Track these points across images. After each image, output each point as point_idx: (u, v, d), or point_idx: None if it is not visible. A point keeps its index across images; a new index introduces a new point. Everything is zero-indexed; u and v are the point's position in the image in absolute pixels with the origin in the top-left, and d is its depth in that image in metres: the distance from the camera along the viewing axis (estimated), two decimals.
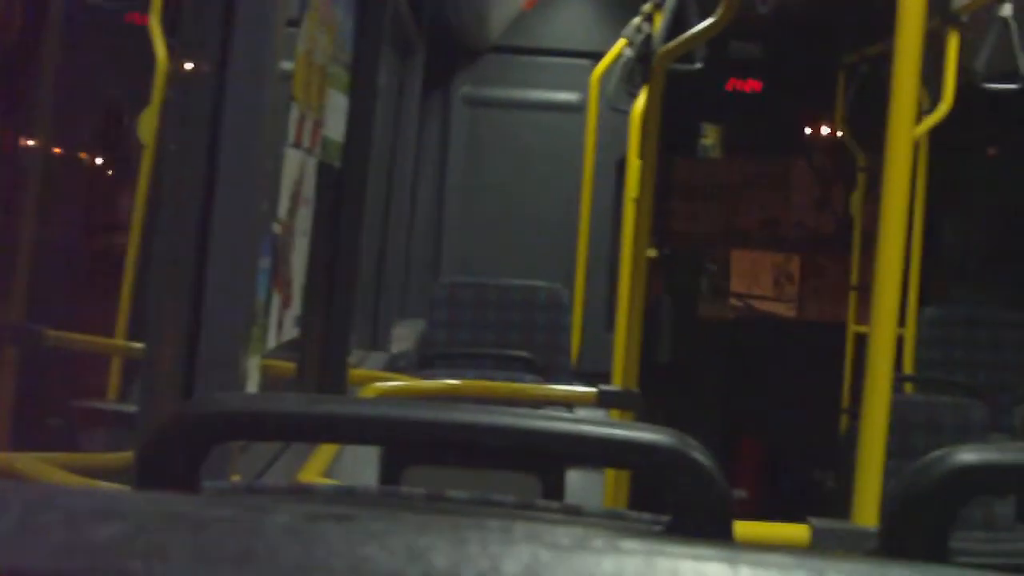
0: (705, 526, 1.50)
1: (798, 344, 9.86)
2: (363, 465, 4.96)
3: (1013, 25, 6.02)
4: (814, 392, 8.99)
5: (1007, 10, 6.03)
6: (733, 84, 9.62)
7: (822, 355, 9.10)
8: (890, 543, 1.56)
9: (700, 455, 1.56)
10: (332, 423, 1.68)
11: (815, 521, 2.39)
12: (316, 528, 0.59)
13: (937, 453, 1.58)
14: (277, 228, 3.34)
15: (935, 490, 1.55)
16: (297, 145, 3.48)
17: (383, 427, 1.68)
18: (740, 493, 9.82)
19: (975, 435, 5.50)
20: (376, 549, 0.57)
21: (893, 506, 1.59)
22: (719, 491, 1.55)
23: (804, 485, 8.40)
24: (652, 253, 10.48)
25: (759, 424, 9.90)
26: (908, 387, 7.58)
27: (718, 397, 10.17)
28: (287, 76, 3.33)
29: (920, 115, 6.86)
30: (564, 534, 0.58)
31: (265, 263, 3.18)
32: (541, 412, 1.66)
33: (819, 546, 2.56)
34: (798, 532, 2.65)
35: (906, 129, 2.61)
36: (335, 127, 4.15)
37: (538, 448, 1.63)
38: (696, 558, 0.57)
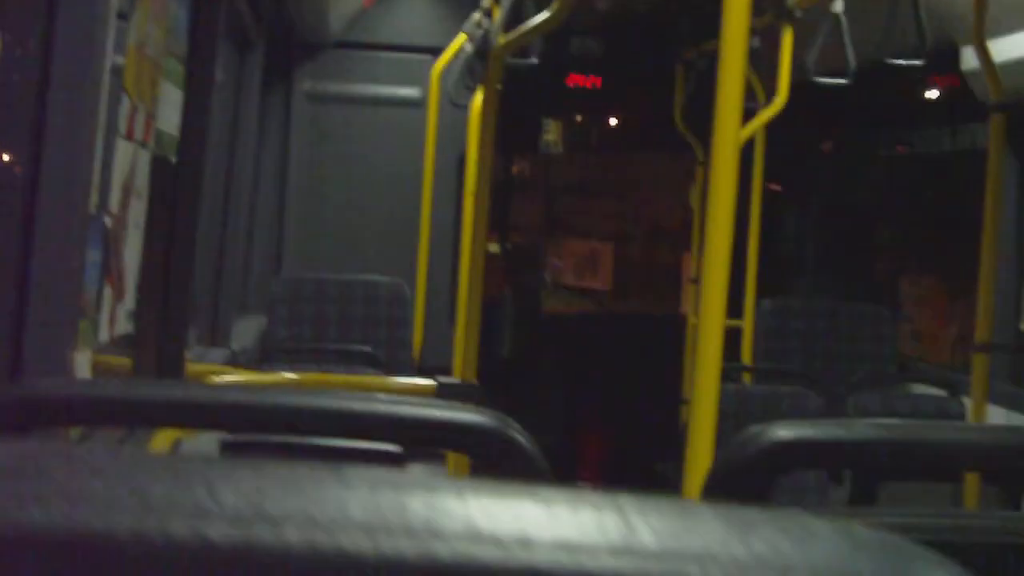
0: None
1: (640, 337, 9.97)
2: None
3: (844, 21, 6.13)
4: (656, 384, 9.09)
5: (839, 6, 6.13)
6: (574, 80, 9.69)
7: (664, 347, 9.20)
8: None
9: (520, 436, 1.58)
10: (160, 406, 1.67)
11: None
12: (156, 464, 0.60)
13: (753, 429, 1.61)
14: (108, 221, 3.30)
15: (750, 464, 1.59)
16: (129, 138, 3.44)
17: (208, 410, 1.68)
18: (583, 483, 9.90)
19: None
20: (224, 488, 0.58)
21: (710, 480, 1.63)
22: (539, 471, 1.57)
23: (648, 476, 8.48)
24: (494, 248, 10.55)
25: (602, 416, 9.99)
26: (746, 377, 7.70)
27: (562, 390, 10.25)
28: (119, 69, 3.29)
29: (756, 110, 6.97)
30: (396, 478, 0.59)
31: (95, 256, 3.14)
32: (367, 395, 1.66)
33: None
34: None
35: (732, 125, 2.66)
36: (170, 120, 4.10)
37: (361, 428, 1.64)
38: (511, 495, 0.58)
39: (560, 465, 9.75)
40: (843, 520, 0.60)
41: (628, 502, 0.58)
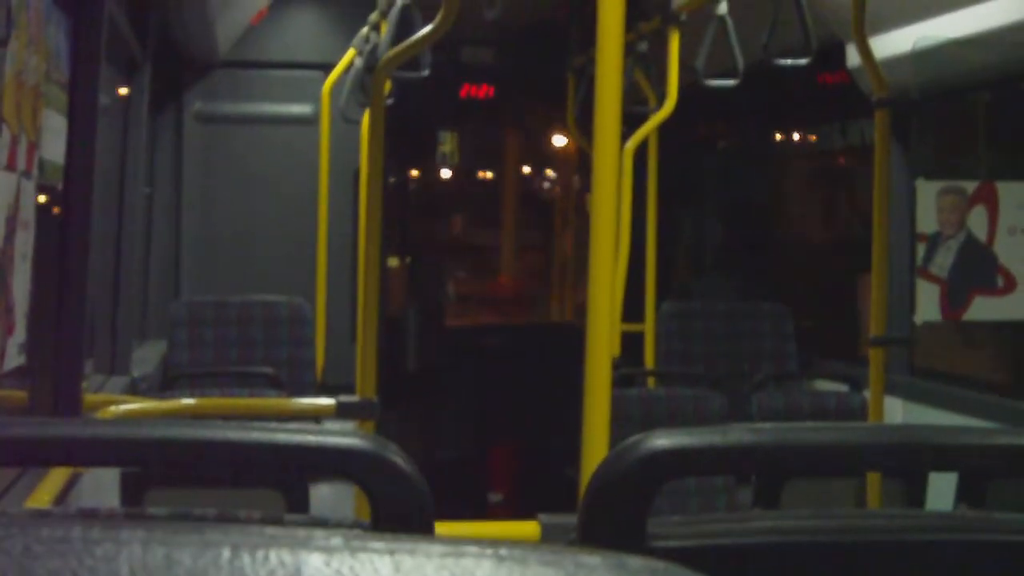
0: (406, 527, 1.51)
1: (546, 346, 9.98)
2: (103, 491, 4.86)
3: (730, 22, 6.19)
4: (564, 392, 9.11)
5: (723, 8, 6.19)
6: (467, 90, 9.70)
7: (571, 355, 9.22)
8: (587, 530, 1.59)
9: (399, 459, 1.58)
10: (53, 444, 1.65)
11: (544, 517, 2.42)
12: (58, 547, 0.58)
13: (632, 439, 1.62)
14: None
15: (629, 475, 1.59)
16: (10, 168, 3.40)
17: (95, 447, 1.66)
18: (496, 496, 9.91)
19: (715, 425, 5.62)
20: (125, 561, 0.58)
21: (592, 492, 1.63)
22: (418, 494, 1.57)
23: (560, 484, 8.50)
24: (395, 262, 10.53)
25: (512, 427, 9.99)
26: (651, 381, 7.73)
27: (470, 403, 10.24)
28: None
29: (648, 114, 7.02)
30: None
31: None
32: (245, 425, 1.66)
33: (547, 539, 2.59)
34: (527, 528, 2.68)
35: (612, 130, 2.67)
36: (56, 149, 4.05)
37: (242, 458, 1.63)
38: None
39: (471, 477, 9.77)
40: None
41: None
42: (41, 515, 1.75)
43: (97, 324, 6.57)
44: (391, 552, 0.58)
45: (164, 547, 0.57)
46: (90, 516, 1.75)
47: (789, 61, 5.92)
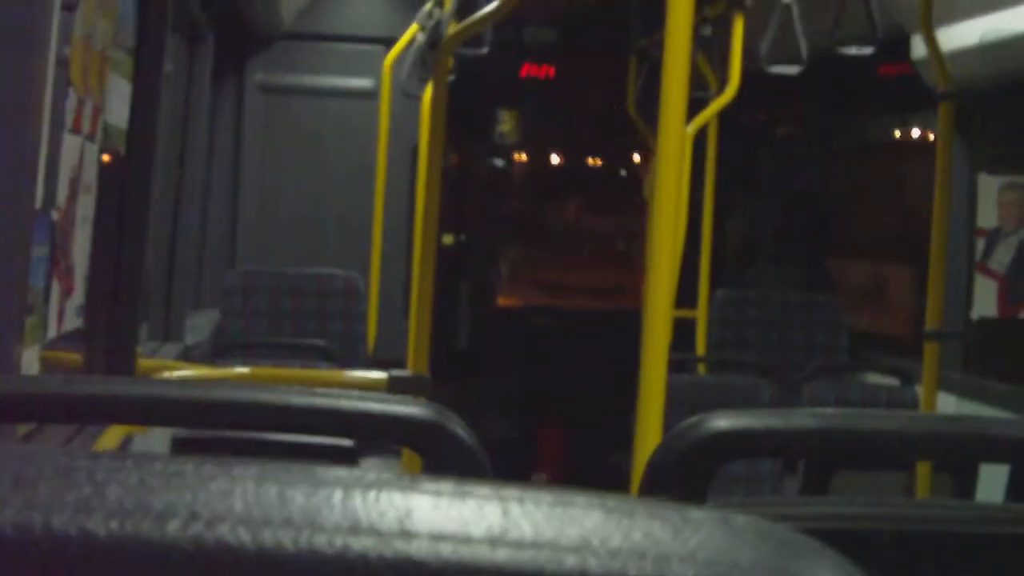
0: None
1: (598, 330, 9.98)
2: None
3: (795, 10, 6.15)
4: (615, 376, 9.10)
5: None
6: (527, 70, 9.68)
7: (623, 340, 9.20)
8: None
9: (460, 429, 1.58)
10: (114, 402, 1.66)
11: None
12: (173, 480, 0.60)
13: (691, 420, 1.62)
14: (55, 216, 3.27)
15: (688, 455, 1.59)
16: (76, 131, 3.42)
17: (155, 406, 1.67)
18: (540, 477, 9.91)
19: None
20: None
21: (650, 472, 1.63)
22: (479, 465, 1.57)
23: (605, 469, 8.49)
24: (449, 240, 10.54)
25: (561, 409, 9.99)
26: (701, 368, 7.71)
27: (519, 383, 10.24)
28: (65, 61, 3.27)
29: (709, 99, 6.99)
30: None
31: (42, 251, 3.12)
32: (308, 390, 1.67)
33: None
34: None
35: (678, 114, 2.66)
36: (119, 113, 4.08)
37: (302, 422, 1.64)
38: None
39: (517, 459, 9.77)
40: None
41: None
42: (146, 455, 1.77)
43: (153, 291, 6.61)
44: (500, 498, 0.59)
45: (277, 484, 0.59)
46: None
47: (854, 50, 5.88)
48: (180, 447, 4.76)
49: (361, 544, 0.56)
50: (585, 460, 9.33)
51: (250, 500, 0.57)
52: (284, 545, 0.56)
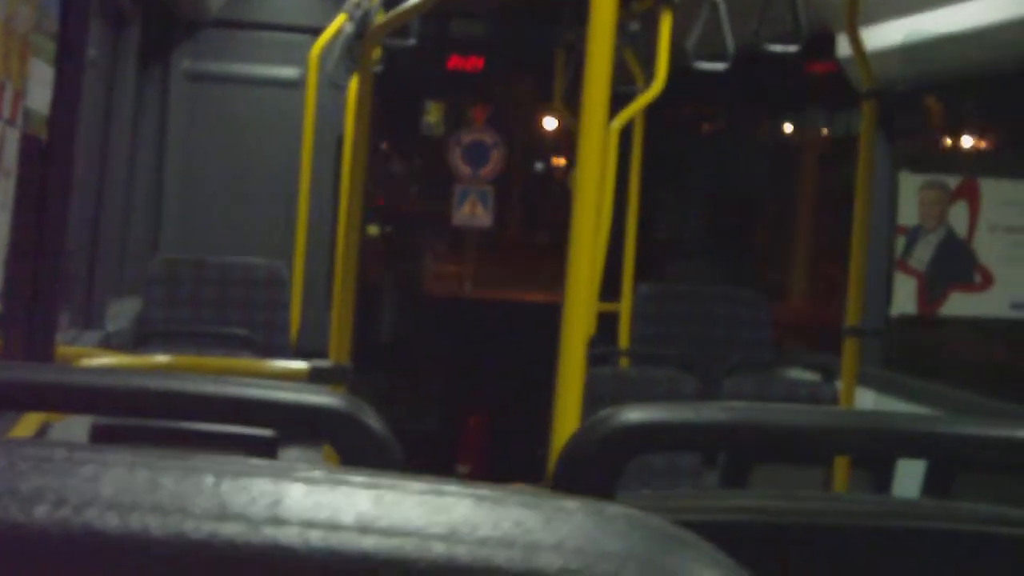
0: None
1: (523, 321, 9.99)
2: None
3: (722, 7, 6.17)
4: (538, 368, 9.10)
5: None
6: (455, 62, 9.67)
7: (547, 332, 9.21)
8: None
9: (372, 420, 1.58)
10: (27, 389, 1.65)
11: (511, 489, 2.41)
12: (42, 465, 0.59)
13: (603, 412, 1.62)
14: None
15: (599, 447, 1.59)
16: None
17: (68, 393, 1.66)
18: (463, 468, 9.91)
19: None
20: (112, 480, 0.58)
21: (561, 464, 1.63)
22: (390, 455, 1.58)
23: (529, 460, 8.51)
24: (375, 231, 10.52)
25: (485, 401, 9.99)
26: (624, 361, 7.73)
27: (443, 374, 10.24)
28: None
29: (637, 94, 7.01)
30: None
31: None
32: (221, 379, 1.66)
33: None
34: None
35: (600, 108, 2.67)
36: (42, 99, 4.04)
37: (215, 411, 1.63)
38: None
39: (441, 450, 9.78)
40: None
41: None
42: (18, 441, 1.75)
43: (74, 278, 6.55)
44: (372, 486, 0.59)
45: (148, 470, 0.59)
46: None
47: (779, 47, 5.92)
48: (99, 435, 4.72)
49: (230, 530, 0.56)
50: (509, 451, 9.34)
51: (119, 485, 0.57)
52: (152, 530, 0.56)
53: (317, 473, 0.60)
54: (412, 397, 10.06)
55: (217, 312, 7.79)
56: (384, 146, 10.98)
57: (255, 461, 0.61)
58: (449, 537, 0.57)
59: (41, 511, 0.56)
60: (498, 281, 11.58)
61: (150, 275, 7.82)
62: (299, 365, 4.61)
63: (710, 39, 6.22)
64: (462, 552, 0.56)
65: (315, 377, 4.48)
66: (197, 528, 0.56)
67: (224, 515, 0.56)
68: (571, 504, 0.60)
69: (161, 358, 4.95)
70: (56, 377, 1.72)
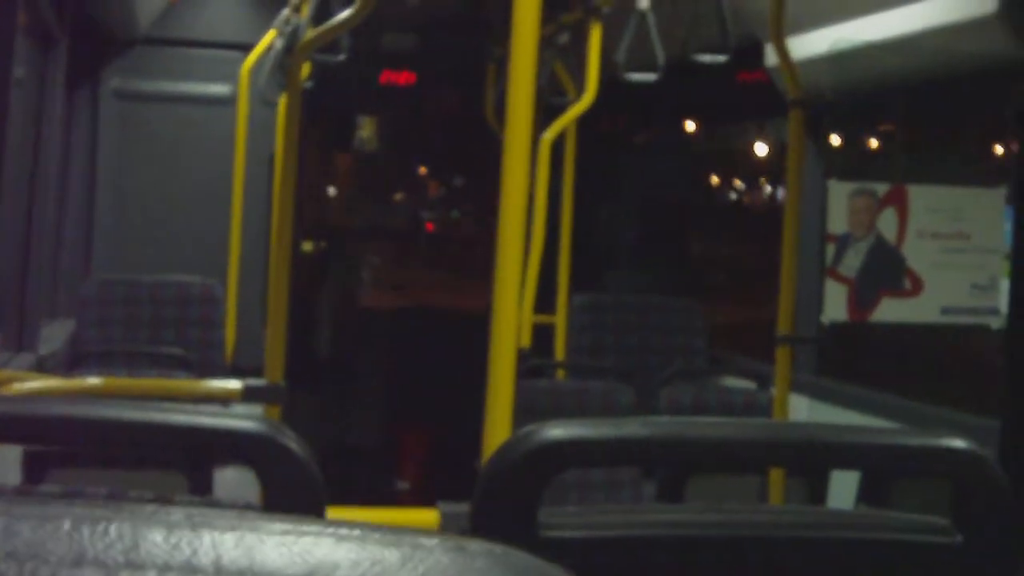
0: (297, 511, 1.51)
1: (461, 333, 9.99)
2: (5, 470, 4.81)
3: (651, 18, 6.20)
4: (477, 381, 9.10)
5: (644, 3, 6.21)
6: (387, 76, 9.67)
7: (485, 344, 9.21)
8: (478, 518, 1.60)
9: (292, 443, 1.58)
10: None
11: (443, 505, 2.43)
12: None
13: (525, 429, 1.63)
14: None
15: (521, 464, 1.60)
16: None
17: None
18: (402, 484, 9.90)
19: (622, 418, 5.64)
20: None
21: (484, 481, 1.63)
22: (310, 478, 1.57)
23: (468, 475, 8.50)
24: (309, 247, 10.50)
25: (423, 415, 9.98)
26: (560, 373, 7.75)
27: (381, 389, 10.23)
28: None
29: (568, 106, 7.03)
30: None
31: None
32: (143, 405, 1.66)
33: (446, 528, 2.60)
34: (426, 516, 2.69)
35: (524, 121, 2.68)
36: None
37: (137, 438, 1.63)
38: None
39: (379, 466, 9.76)
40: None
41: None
42: None
43: (5, 300, 6.50)
44: (233, 528, 0.59)
45: (4, 518, 0.58)
46: None
47: (707, 58, 5.96)
48: (31, 460, 4.69)
49: None
50: (448, 466, 9.34)
51: None
52: None
53: (176, 516, 0.59)
54: (350, 412, 10.04)
55: (151, 331, 7.76)
56: (318, 161, 10.95)
57: (116, 505, 0.61)
58: None
59: None
60: (434, 292, 11.59)
61: (83, 296, 7.78)
62: (233, 385, 4.60)
63: (640, 50, 6.26)
64: None
65: (249, 396, 4.46)
66: (53, 574, 0.55)
67: (80, 561, 0.56)
68: (431, 541, 0.60)
69: (94, 381, 4.92)
70: None
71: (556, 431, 1.61)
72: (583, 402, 6.11)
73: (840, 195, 5.68)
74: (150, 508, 0.60)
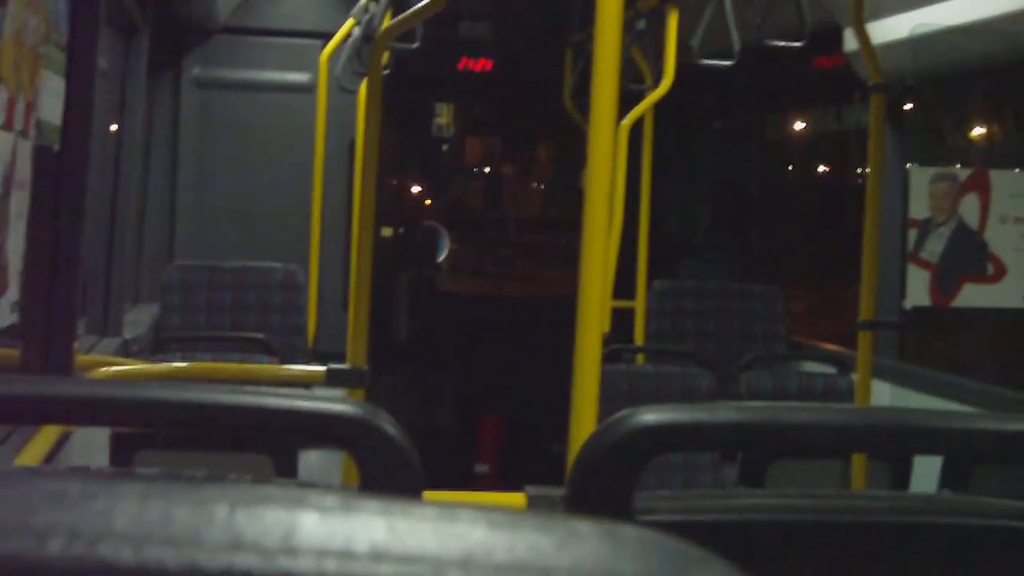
0: (394, 494, 1.53)
1: (538, 318, 10.00)
2: (93, 451, 4.89)
3: (728, 3, 6.18)
4: (555, 365, 9.10)
5: None
6: (465, 63, 9.70)
7: (563, 329, 9.21)
8: (573, 502, 1.61)
9: (388, 426, 1.59)
10: (45, 402, 1.67)
11: (531, 489, 2.45)
12: (55, 501, 0.59)
13: (619, 414, 1.64)
14: None
15: (616, 449, 1.61)
16: (8, 127, 3.41)
17: (83, 406, 1.68)
18: (482, 467, 9.93)
19: (702, 403, 5.64)
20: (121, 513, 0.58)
21: (578, 466, 1.64)
22: (407, 461, 1.59)
23: (547, 459, 8.52)
24: (388, 232, 10.54)
25: (502, 398, 10.00)
26: (640, 358, 7.75)
27: (459, 373, 10.26)
28: None
29: (645, 92, 7.02)
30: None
31: None
32: (237, 388, 1.68)
33: (534, 511, 2.62)
34: (514, 499, 2.71)
35: (609, 108, 2.69)
36: (53, 110, 4.06)
37: (228, 421, 1.65)
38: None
39: (458, 450, 9.78)
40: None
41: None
42: (33, 472, 1.77)
43: (91, 286, 6.59)
44: (385, 513, 0.59)
45: (162, 502, 0.58)
46: (82, 473, 1.76)
47: (783, 43, 5.93)
48: (118, 442, 4.75)
49: (244, 561, 0.56)
50: (526, 450, 9.36)
51: (133, 518, 0.57)
52: (166, 563, 0.56)
53: (330, 500, 0.60)
54: (429, 396, 10.08)
55: (233, 316, 7.83)
56: (396, 148, 11.00)
57: (269, 489, 0.61)
58: (464, 563, 0.57)
59: (54, 545, 0.56)
60: (514, 276, 11.60)
61: (166, 281, 7.86)
62: (316, 369, 4.64)
63: (717, 35, 6.24)
64: None
65: (332, 380, 4.50)
66: (211, 560, 0.56)
67: (238, 546, 0.57)
68: (584, 527, 0.60)
69: (179, 365, 4.98)
70: (75, 390, 1.74)
71: (652, 416, 1.61)
72: (662, 387, 6.11)
73: (921, 180, 5.65)
74: (301, 492, 0.61)
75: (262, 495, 0.60)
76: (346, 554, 0.57)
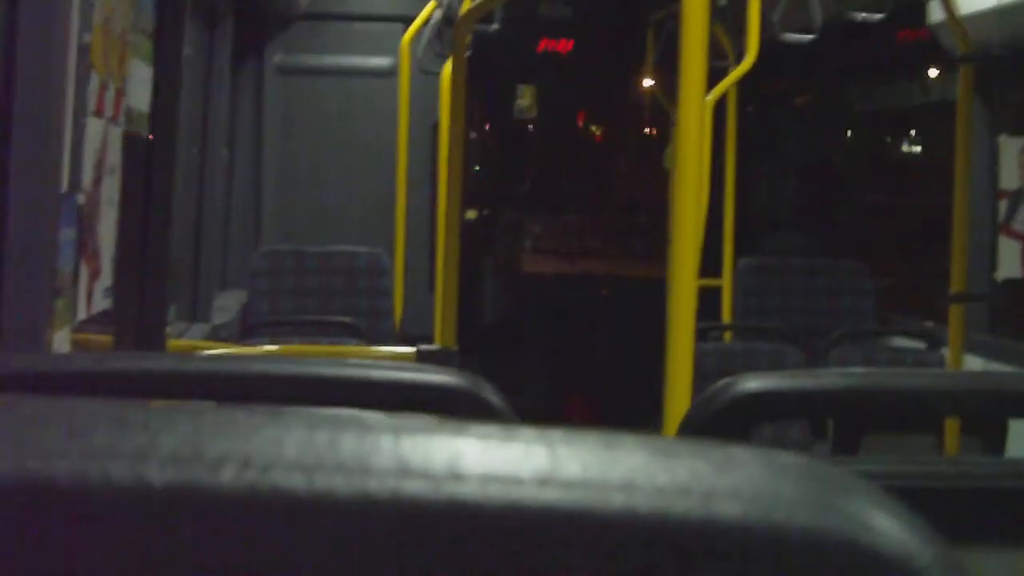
0: None
1: (624, 298, 9.99)
2: None
3: None
4: (642, 346, 9.11)
5: None
6: (545, 44, 9.69)
7: (649, 309, 9.22)
8: None
9: (492, 395, 1.60)
10: (128, 378, 1.68)
11: None
12: (225, 429, 0.61)
13: (722, 382, 1.63)
14: (81, 199, 3.30)
15: (719, 418, 1.60)
16: (99, 114, 3.44)
17: (182, 380, 1.70)
18: None
19: None
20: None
21: (681, 435, 1.64)
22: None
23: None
24: (472, 214, 10.56)
25: (588, 379, 10.01)
26: (727, 335, 7.72)
27: (546, 354, 10.27)
28: (86, 47, 3.29)
29: (728, 69, 6.98)
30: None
31: (69, 234, 3.15)
32: (340, 361, 1.69)
33: None
34: None
35: (697, 84, 2.68)
36: (141, 97, 4.10)
37: (335, 392, 1.66)
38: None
39: (546, 427, 9.78)
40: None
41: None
42: (200, 406, 1.78)
43: (180, 272, 6.65)
44: (546, 441, 0.60)
45: (328, 430, 0.59)
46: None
47: (866, 16, 5.88)
48: None
49: (412, 487, 0.57)
50: (614, 429, 9.34)
51: (302, 446, 0.58)
52: (337, 490, 0.57)
53: (492, 429, 0.60)
54: (516, 377, 10.10)
55: (321, 301, 7.87)
56: (477, 132, 11.01)
57: (426, 420, 0.62)
58: (628, 487, 0.57)
59: (228, 474, 0.57)
60: (599, 257, 11.58)
61: (253, 267, 7.92)
62: (406, 350, 4.65)
63: (799, 10, 6.19)
64: (641, 502, 0.57)
65: (422, 361, 4.51)
66: (380, 486, 0.57)
67: (406, 472, 0.57)
68: (742, 453, 0.61)
69: (270, 348, 5.01)
70: (177, 365, 1.76)
71: (753, 383, 1.61)
72: (751, 364, 6.09)
73: (1011, 151, 5.58)
74: (461, 424, 0.62)
75: (424, 425, 0.61)
76: (511, 479, 0.58)
